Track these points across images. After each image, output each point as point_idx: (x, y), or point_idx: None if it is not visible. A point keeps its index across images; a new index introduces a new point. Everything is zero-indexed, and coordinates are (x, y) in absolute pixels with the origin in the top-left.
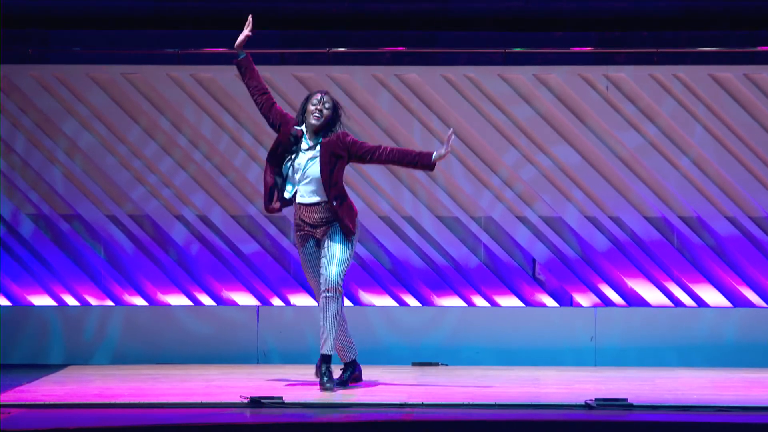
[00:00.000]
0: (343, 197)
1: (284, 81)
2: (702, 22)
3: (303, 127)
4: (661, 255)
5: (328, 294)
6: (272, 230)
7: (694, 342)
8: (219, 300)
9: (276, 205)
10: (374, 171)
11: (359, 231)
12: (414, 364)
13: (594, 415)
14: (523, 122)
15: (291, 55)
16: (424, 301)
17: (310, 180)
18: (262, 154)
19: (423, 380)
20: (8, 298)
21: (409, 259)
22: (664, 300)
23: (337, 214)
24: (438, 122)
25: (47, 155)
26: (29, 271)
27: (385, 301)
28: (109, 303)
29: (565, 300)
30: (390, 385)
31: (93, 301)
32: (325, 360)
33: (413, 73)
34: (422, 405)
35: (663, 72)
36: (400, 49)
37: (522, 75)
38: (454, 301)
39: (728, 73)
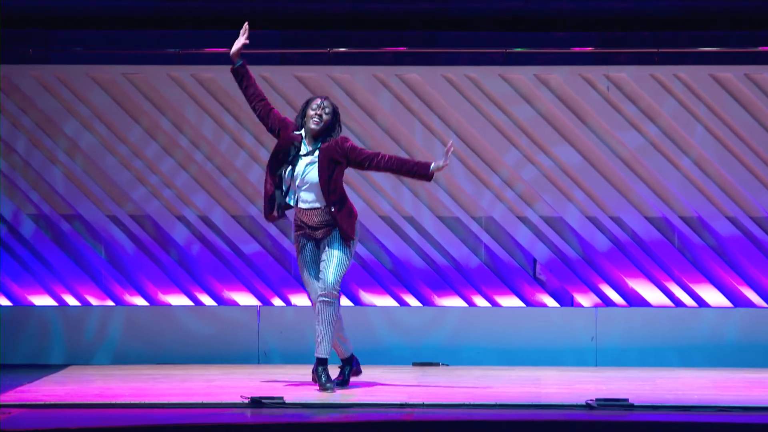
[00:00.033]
0: (342, 202)
1: (285, 81)
2: (702, 22)
3: (302, 132)
4: (662, 255)
5: (324, 299)
6: (273, 230)
7: (694, 342)
8: (220, 300)
9: (276, 213)
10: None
11: (360, 231)
12: (415, 364)
13: (595, 415)
14: (523, 122)
15: (292, 55)
16: (425, 301)
17: (309, 185)
18: (264, 155)
19: (424, 380)
20: (9, 298)
21: (409, 259)
22: (664, 300)
23: (335, 220)
24: (439, 122)
25: (48, 155)
26: (30, 271)
27: (386, 301)
28: (110, 303)
29: (565, 300)
30: (390, 385)
31: (94, 302)
32: (321, 363)
33: (414, 73)
34: (423, 405)
35: (664, 72)
36: (401, 49)
37: (523, 75)
38: (455, 301)
39: (729, 73)
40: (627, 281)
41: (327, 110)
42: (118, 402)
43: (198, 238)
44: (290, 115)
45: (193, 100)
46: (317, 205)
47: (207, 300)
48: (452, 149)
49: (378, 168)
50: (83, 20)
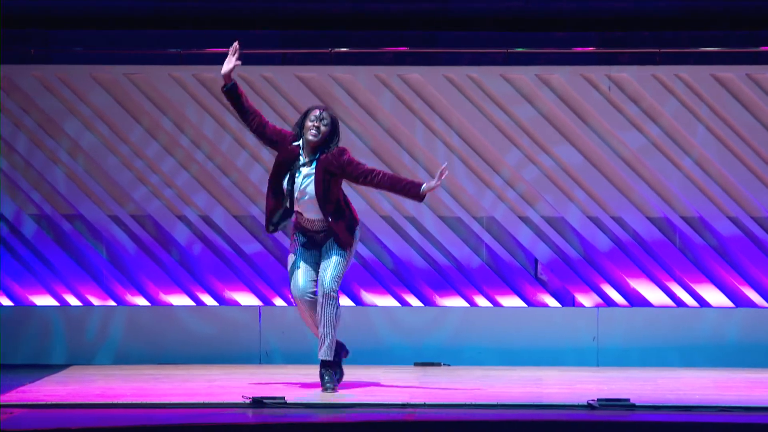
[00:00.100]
0: (340, 213)
1: (286, 81)
2: (702, 22)
3: (300, 143)
4: (664, 255)
5: (322, 301)
6: None
7: (696, 342)
8: (221, 300)
9: (276, 228)
10: None
11: (362, 231)
12: (416, 364)
13: (596, 415)
14: (525, 122)
15: (293, 55)
16: (426, 302)
17: (307, 197)
18: (265, 155)
19: (425, 380)
20: (10, 298)
21: (411, 259)
22: (666, 300)
23: (333, 230)
24: (440, 122)
25: (49, 155)
26: (31, 271)
27: (387, 301)
28: (112, 303)
29: (567, 300)
30: (392, 386)
31: (95, 302)
32: (324, 365)
33: (415, 73)
34: (424, 405)
35: (665, 72)
36: (403, 49)
37: (524, 75)
38: (456, 302)
39: (730, 73)
40: (628, 281)
41: (325, 122)
42: (120, 402)
43: (199, 237)
44: (290, 116)
45: (194, 100)
46: (316, 216)
47: (208, 300)
48: (446, 174)
49: (372, 184)
50: (84, 20)
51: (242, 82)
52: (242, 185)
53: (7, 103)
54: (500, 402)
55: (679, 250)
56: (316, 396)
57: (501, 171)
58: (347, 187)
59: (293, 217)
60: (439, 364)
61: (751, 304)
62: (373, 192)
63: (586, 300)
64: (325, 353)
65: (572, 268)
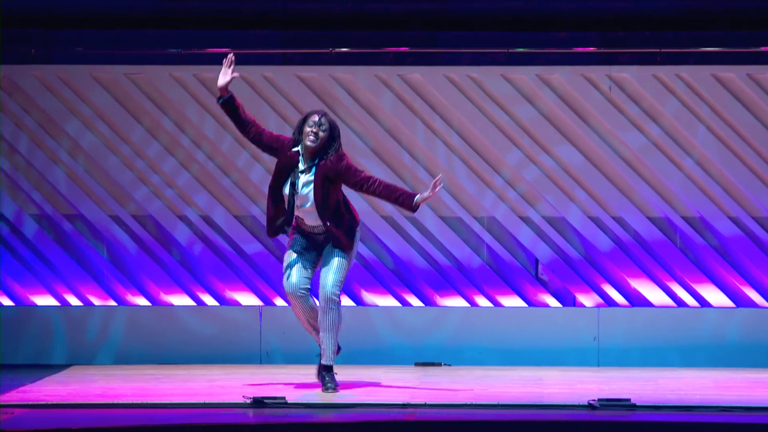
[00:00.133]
0: (340, 218)
1: (286, 81)
2: (702, 22)
3: (299, 148)
4: (664, 255)
5: (323, 305)
6: None
7: (697, 342)
8: (222, 300)
9: (278, 233)
10: (376, 171)
11: (362, 232)
12: (417, 364)
13: (597, 415)
14: (526, 122)
15: (294, 55)
16: (427, 302)
17: (306, 203)
18: (265, 155)
19: (426, 380)
20: (11, 298)
21: (411, 259)
22: (667, 300)
23: (332, 234)
24: (441, 122)
25: (50, 155)
26: (32, 271)
27: (388, 301)
28: (112, 303)
29: (568, 300)
30: (393, 386)
31: (96, 302)
32: (325, 369)
33: (416, 74)
34: (425, 405)
35: (666, 72)
36: (403, 49)
37: (525, 75)
38: (457, 302)
39: (731, 73)
40: (629, 281)
41: (323, 127)
42: (121, 402)
43: (200, 237)
44: (291, 116)
45: (195, 100)
46: (315, 222)
47: (209, 300)
48: (440, 186)
49: (368, 192)
50: (84, 20)
51: (243, 82)
52: (243, 185)
53: (8, 104)
54: (501, 402)
55: (680, 250)
56: (317, 396)
57: (502, 171)
58: (348, 188)
59: (293, 222)
60: (439, 364)
61: (752, 304)
62: None
63: (587, 300)
64: (328, 359)
65: (573, 268)
